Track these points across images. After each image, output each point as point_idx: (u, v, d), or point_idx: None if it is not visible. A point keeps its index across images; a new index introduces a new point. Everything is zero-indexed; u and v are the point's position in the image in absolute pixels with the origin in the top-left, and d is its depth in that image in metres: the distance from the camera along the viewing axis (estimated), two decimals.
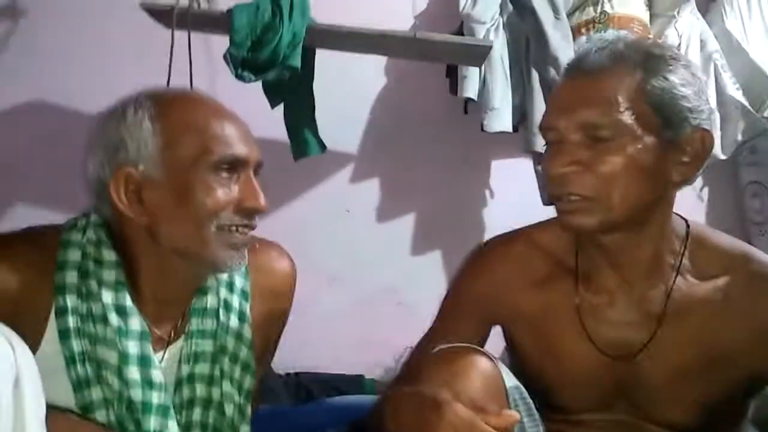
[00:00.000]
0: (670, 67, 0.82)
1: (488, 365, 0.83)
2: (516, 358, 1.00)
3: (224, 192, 0.80)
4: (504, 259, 0.97)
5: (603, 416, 0.92)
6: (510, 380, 0.85)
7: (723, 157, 1.99)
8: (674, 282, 0.88)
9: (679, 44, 1.89)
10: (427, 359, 0.86)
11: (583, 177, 0.81)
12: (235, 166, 0.81)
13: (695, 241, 0.90)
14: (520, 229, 1.00)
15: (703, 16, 1.96)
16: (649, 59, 0.82)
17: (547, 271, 0.94)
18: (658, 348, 0.88)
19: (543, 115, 0.88)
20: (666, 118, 0.80)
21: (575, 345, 0.91)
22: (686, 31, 1.88)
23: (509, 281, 0.95)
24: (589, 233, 0.86)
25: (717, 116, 1.94)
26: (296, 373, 1.88)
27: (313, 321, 1.91)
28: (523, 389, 0.87)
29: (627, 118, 0.79)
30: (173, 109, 0.82)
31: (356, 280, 2.04)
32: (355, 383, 1.89)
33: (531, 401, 0.87)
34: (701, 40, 1.90)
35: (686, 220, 0.93)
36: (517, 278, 0.95)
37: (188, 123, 0.81)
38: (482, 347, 0.96)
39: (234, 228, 0.81)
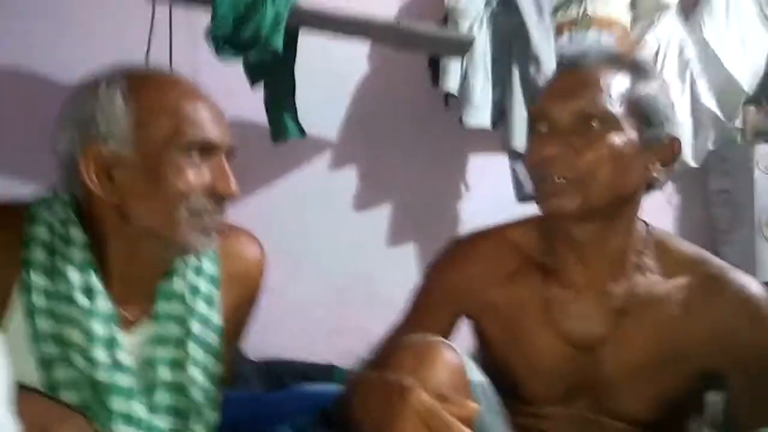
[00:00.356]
0: (653, 79, 0.92)
1: (454, 358, 0.84)
2: (485, 352, 1.03)
3: (195, 174, 0.79)
4: (475, 254, 1.00)
5: (565, 410, 0.95)
6: (475, 375, 0.87)
7: (694, 164, 2.03)
8: (637, 279, 0.93)
9: (658, 49, 1.93)
10: (395, 348, 0.87)
11: (571, 160, 0.86)
12: (207, 149, 0.80)
13: (656, 244, 0.96)
14: (491, 226, 1.04)
15: (684, 22, 2.00)
16: (637, 67, 0.91)
17: (516, 266, 0.98)
18: (619, 341, 0.92)
19: (536, 103, 0.95)
20: (646, 120, 0.88)
21: (542, 337, 0.94)
22: (665, 36, 1.92)
23: (480, 275, 0.98)
24: (567, 217, 0.90)
25: (690, 123, 1.99)
26: (267, 360, 1.88)
27: (287, 307, 1.90)
28: (487, 385, 0.89)
29: (616, 110, 0.86)
30: (147, 88, 0.80)
31: (331, 267, 2.04)
32: (326, 372, 1.89)
33: (496, 397, 0.90)
34: (680, 47, 1.94)
35: (647, 224, 0.98)
36: (488, 272, 0.98)
37: (161, 103, 0.79)
38: (449, 338, 0.98)
39: (204, 212, 0.80)
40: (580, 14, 1.84)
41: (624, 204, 0.90)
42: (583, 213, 0.88)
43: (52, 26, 1.75)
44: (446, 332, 0.99)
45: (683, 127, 1.95)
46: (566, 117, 0.87)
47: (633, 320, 0.92)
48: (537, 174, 0.90)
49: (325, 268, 2.04)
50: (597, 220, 0.90)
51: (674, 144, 0.90)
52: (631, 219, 0.93)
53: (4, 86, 1.77)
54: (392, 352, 0.86)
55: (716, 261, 0.95)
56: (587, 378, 0.93)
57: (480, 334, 1.03)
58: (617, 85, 0.88)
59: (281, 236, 1.91)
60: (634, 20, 1.93)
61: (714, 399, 0.99)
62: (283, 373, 1.83)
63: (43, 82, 1.77)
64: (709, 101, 1.96)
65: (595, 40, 1.82)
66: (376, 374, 0.80)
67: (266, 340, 1.79)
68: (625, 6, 1.89)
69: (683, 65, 1.94)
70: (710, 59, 1.95)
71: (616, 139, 0.86)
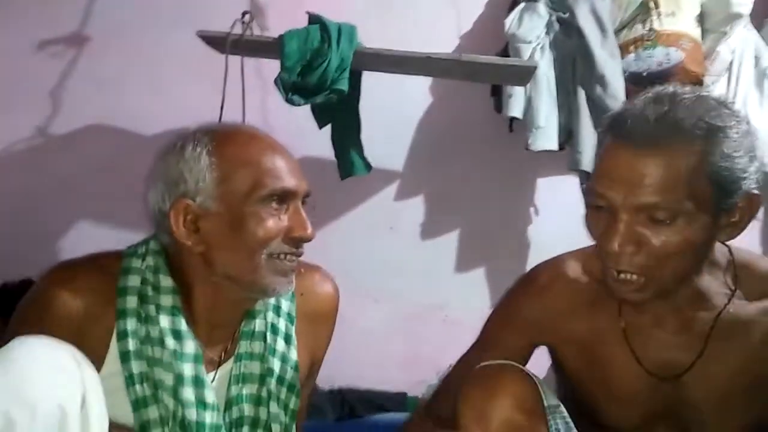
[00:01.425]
0: (730, 135, 0.80)
1: (526, 384, 0.85)
2: (563, 376, 1.03)
3: (275, 222, 0.85)
4: (555, 285, 1.00)
5: None
6: (550, 399, 0.88)
7: None
8: (723, 304, 0.90)
9: (732, 60, 1.85)
10: (467, 377, 0.89)
11: (637, 257, 0.81)
12: (284, 197, 0.86)
13: (740, 267, 0.92)
14: (567, 254, 1.03)
15: (758, 30, 1.91)
16: (711, 131, 0.80)
17: (593, 294, 0.96)
18: (704, 368, 0.90)
19: (593, 179, 0.86)
20: (721, 191, 0.80)
21: (622, 366, 0.93)
22: (739, 46, 1.84)
23: (557, 306, 0.98)
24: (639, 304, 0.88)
25: None
26: (340, 389, 1.92)
27: (359, 337, 1.94)
28: (563, 409, 0.89)
29: (686, 201, 0.79)
30: (228, 145, 0.87)
31: (402, 296, 2.06)
32: (398, 401, 1.91)
33: (571, 422, 0.89)
34: (755, 57, 1.85)
35: (729, 248, 0.93)
36: (567, 304, 0.98)
37: (242, 158, 0.86)
38: (524, 365, 0.99)
39: (283, 255, 0.86)
40: (647, 30, 1.80)
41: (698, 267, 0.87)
42: (656, 297, 0.86)
43: (135, 83, 1.89)
44: (520, 359, 0.99)
45: (763, 137, 1.85)
46: (630, 209, 0.80)
47: (719, 347, 0.89)
48: (606, 263, 0.85)
49: (397, 297, 2.07)
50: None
51: (752, 200, 0.82)
52: (708, 261, 0.89)
53: (97, 139, 1.93)
54: (463, 382, 0.88)
55: None
56: (668, 405, 0.92)
57: (558, 361, 1.03)
58: (688, 165, 0.78)
59: (352, 268, 1.96)
60: (705, 33, 1.85)
61: None
62: (356, 403, 1.87)
63: (129, 134, 1.91)
64: None
65: (663, 56, 1.77)
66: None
67: (339, 370, 1.84)
68: (693, 19, 1.82)
69: (760, 75, 1.85)
70: None
71: (686, 229, 0.79)
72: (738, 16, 1.82)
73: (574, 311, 0.97)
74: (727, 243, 0.93)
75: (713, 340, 0.89)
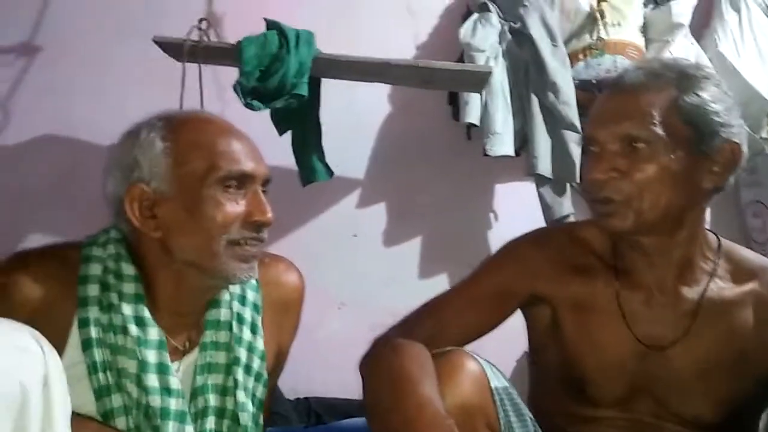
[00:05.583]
0: (702, 85, 0.91)
1: (475, 367, 0.89)
2: (556, 346, 1.03)
3: (232, 206, 0.84)
4: (551, 241, 1.05)
5: (624, 415, 0.98)
6: (498, 381, 0.91)
7: None
8: (708, 284, 0.97)
9: None
10: None
11: (619, 183, 0.90)
12: (242, 181, 0.85)
13: (725, 252, 1.00)
14: (572, 222, 1.11)
15: (697, 41, 2.01)
16: (682, 78, 0.92)
17: (588, 262, 1.02)
18: (690, 343, 0.95)
19: (586, 127, 0.99)
20: (697, 132, 0.89)
21: (613, 334, 0.98)
22: (680, 55, 1.92)
23: (556, 259, 1.02)
24: (624, 234, 0.94)
25: None
26: (306, 398, 1.89)
27: (323, 346, 1.93)
28: (513, 390, 0.92)
29: (661, 130, 0.88)
30: (183, 129, 0.87)
31: (364, 304, 2.06)
32: (364, 408, 1.89)
33: (520, 401, 0.93)
34: None
35: (717, 235, 1.02)
36: (563, 259, 1.02)
37: (197, 141, 0.85)
38: (505, 316, 1.04)
39: (243, 241, 0.85)
40: (594, 40, 1.88)
41: (683, 214, 0.93)
42: (638, 229, 0.92)
43: (89, 93, 1.86)
44: (510, 306, 1.03)
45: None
46: (612, 140, 0.91)
47: (704, 323, 0.95)
48: (589, 195, 0.95)
49: (358, 304, 2.06)
50: (658, 232, 0.93)
51: (734, 149, 0.91)
52: (696, 227, 0.96)
53: (50, 150, 1.88)
54: None
55: None
56: (653, 378, 0.96)
57: (552, 321, 1.03)
58: (661, 102, 0.89)
59: (316, 275, 1.93)
60: (648, 42, 1.95)
61: None
62: (322, 411, 1.84)
63: (84, 145, 1.87)
64: None
65: (610, 64, 1.85)
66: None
67: (302, 379, 1.82)
68: (637, 29, 1.91)
69: None
70: (729, 73, 1.94)
71: (663, 158, 0.88)
72: (679, 26, 1.91)
73: (569, 268, 1.01)
74: (716, 233, 1.01)
75: (699, 318, 0.95)
